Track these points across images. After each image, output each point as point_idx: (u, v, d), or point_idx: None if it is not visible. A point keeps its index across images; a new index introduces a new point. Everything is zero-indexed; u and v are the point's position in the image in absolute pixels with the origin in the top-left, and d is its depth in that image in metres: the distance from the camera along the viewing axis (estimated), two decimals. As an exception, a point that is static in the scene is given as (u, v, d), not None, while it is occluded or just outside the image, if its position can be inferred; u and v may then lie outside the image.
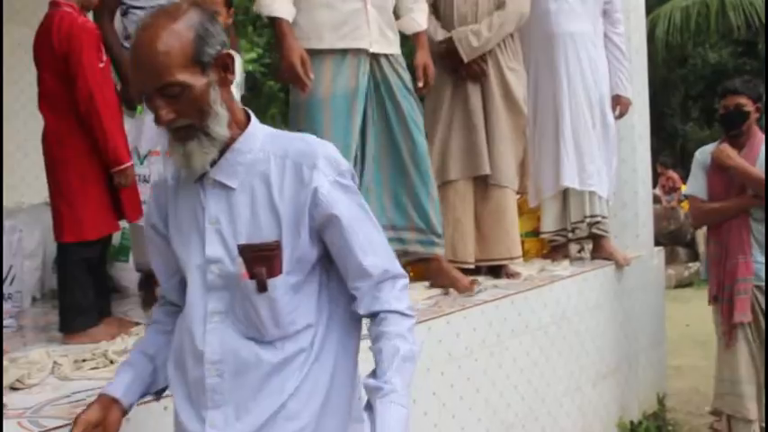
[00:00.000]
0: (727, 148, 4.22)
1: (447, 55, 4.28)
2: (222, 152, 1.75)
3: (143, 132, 3.86)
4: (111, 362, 2.76)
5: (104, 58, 3.29)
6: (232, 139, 1.76)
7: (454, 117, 4.33)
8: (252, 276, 1.73)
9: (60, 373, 2.68)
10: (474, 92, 4.25)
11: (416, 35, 3.90)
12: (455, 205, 4.28)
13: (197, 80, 1.68)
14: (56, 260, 3.78)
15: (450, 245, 4.18)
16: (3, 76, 3.12)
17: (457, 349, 3.44)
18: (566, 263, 4.86)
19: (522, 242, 4.60)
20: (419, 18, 3.89)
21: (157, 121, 1.69)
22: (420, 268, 3.96)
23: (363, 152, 3.66)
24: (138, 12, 3.87)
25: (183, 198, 1.84)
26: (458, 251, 4.24)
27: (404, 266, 1.97)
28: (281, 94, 15.22)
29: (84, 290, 3.24)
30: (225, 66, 1.73)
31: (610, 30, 4.93)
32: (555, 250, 5.05)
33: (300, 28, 3.50)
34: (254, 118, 1.82)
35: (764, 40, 11.16)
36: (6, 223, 4.23)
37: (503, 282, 4.22)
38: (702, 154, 4.45)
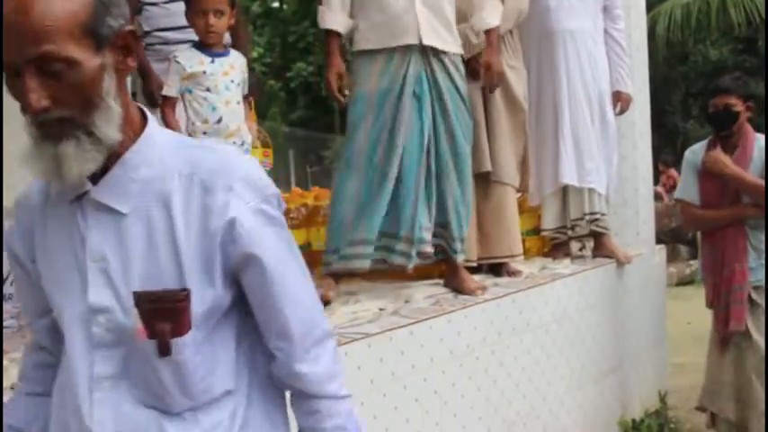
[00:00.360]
0: (719, 155, 4.09)
1: None
2: (108, 165, 1.33)
3: None
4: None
5: None
6: (123, 148, 1.34)
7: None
8: (151, 335, 1.32)
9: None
10: (474, 89, 4.22)
11: (486, 33, 3.95)
12: None
13: (88, 58, 1.26)
14: None
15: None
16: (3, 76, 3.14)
17: (458, 348, 3.44)
18: (567, 261, 4.86)
19: (523, 240, 4.59)
20: (488, 16, 3.93)
21: (25, 107, 1.27)
22: (423, 266, 3.96)
23: (411, 144, 3.65)
24: (151, 8, 3.87)
25: (55, 223, 1.41)
26: None
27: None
28: (281, 93, 15.20)
29: None
30: (127, 47, 1.32)
31: (610, 26, 4.92)
32: (556, 248, 5.05)
33: (359, 31, 3.66)
34: (152, 120, 1.40)
35: (765, 36, 11.13)
36: (6, 223, 4.22)
37: (504, 280, 4.22)
38: (693, 154, 4.33)
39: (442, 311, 3.46)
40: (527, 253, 4.82)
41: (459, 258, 3.86)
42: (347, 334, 3.06)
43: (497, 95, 4.29)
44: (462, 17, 4.19)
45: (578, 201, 4.87)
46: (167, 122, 3.27)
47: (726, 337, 4.17)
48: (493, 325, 3.66)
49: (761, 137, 4.15)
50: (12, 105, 1.36)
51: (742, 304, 4.08)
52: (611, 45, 4.95)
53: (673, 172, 13.16)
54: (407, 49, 3.63)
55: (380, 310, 3.54)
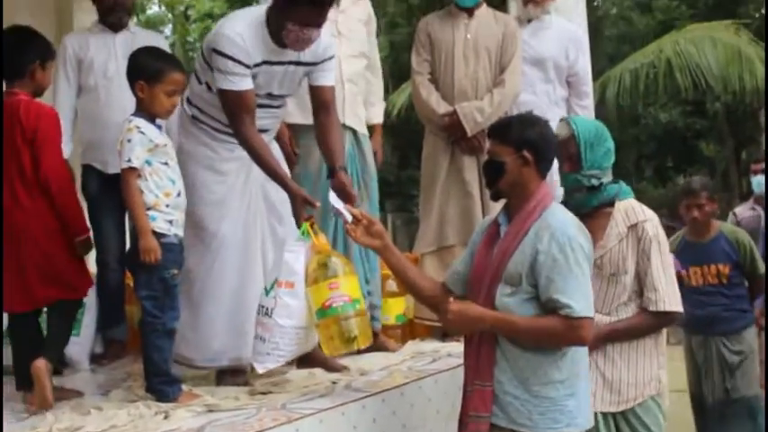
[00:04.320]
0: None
1: (449, 127, 4.44)
2: None
3: (279, 262, 3.45)
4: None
5: None
6: None
7: (451, 186, 4.49)
8: None
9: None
10: (470, 164, 4.44)
11: (374, 126, 4.46)
12: None
13: None
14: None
15: None
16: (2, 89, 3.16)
17: (412, 421, 3.40)
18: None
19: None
20: (379, 112, 4.53)
21: None
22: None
23: None
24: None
25: None
26: None
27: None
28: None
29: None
30: None
31: (575, 101, 4.94)
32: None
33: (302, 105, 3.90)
34: None
35: (765, 37, 11.33)
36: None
37: (460, 349, 4.20)
38: None
39: (394, 384, 3.43)
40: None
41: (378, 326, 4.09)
42: (297, 410, 3.02)
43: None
44: (463, 96, 4.41)
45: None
46: (132, 193, 3.23)
47: None
48: (447, 396, 3.63)
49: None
50: None
51: None
52: None
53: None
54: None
55: (333, 383, 3.51)
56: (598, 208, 3.13)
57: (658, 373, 3.13)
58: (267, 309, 3.23)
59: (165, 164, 3.31)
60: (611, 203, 3.14)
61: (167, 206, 3.28)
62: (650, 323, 3.11)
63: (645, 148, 20.84)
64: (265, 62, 3.43)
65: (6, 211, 3.33)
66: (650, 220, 3.12)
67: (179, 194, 3.34)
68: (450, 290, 2.93)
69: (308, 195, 3.36)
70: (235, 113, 3.40)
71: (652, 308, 3.07)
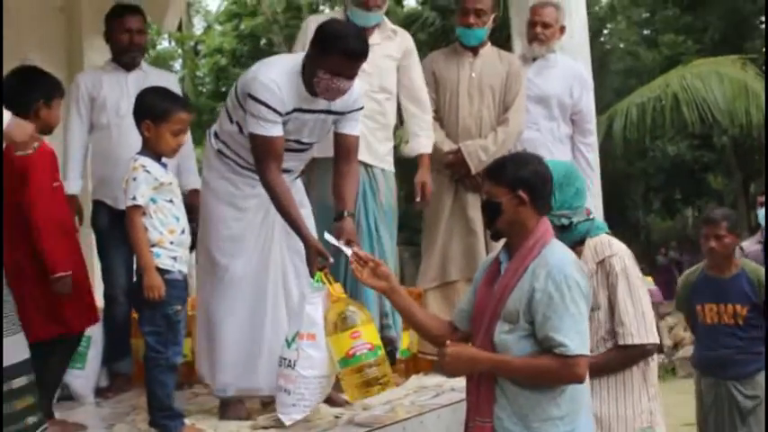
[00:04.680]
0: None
1: (454, 165, 4.50)
2: None
3: (296, 310, 3.49)
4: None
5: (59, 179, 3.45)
6: None
7: (454, 223, 4.54)
8: None
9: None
10: (474, 201, 4.46)
11: (420, 156, 4.36)
12: (455, 304, 4.36)
13: None
14: None
15: None
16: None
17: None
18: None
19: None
20: (425, 143, 4.37)
21: None
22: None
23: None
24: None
25: None
26: None
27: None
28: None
29: None
30: None
31: (579, 139, 4.96)
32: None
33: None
34: None
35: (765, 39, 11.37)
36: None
37: (461, 383, 4.21)
38: None
39: (396, 418, 3.44)
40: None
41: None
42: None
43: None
44: (467, 134, 4.49)
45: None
46: (136, 230, 3.28)
47: None
48: (448, 431, 3.63)
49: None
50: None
51: None
52: (577, 158, 5.01)
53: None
54: None
55: (336, 417, 3.52)
56: (570, 247, 3.05)
57: (649, 406, 3.11)
58: (290, 361, 3.28)
59: (170, 201, 3.36)
60: (582, 242, 3.15)
61: (171, 243, 3.33)
62: (622, 357, 3.08)
63: (653, 180, 20.89)
64: (297, 110, 3.48)
65: (5, 249, 3.35)
66: (617, 255, 3.11)
67: (183, 232, 3.38)
68: (457, 328, 2.95)
69: (321, 247, 3.38)
70: (262, 158, 3.45)
71: (620, 341, 3.06)
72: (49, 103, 3.48)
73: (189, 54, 21.16)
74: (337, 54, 3.33)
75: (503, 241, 2.87)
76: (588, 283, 2.76)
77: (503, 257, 2.81)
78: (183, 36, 19.89)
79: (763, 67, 11.77)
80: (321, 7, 18.33)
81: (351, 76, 3.40)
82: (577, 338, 2.63)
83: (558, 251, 2.73)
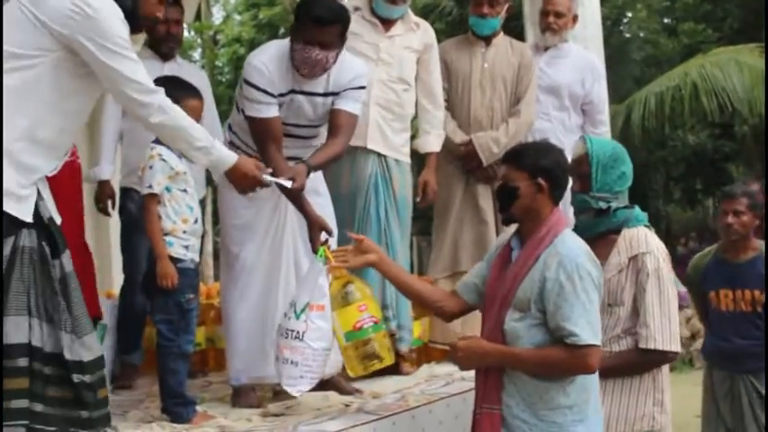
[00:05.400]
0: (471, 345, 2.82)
1: (465, 157, 4.51)
2: None
3: (306, 281, 3.34)
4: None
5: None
6: None
7: (465, 213, 4.56)
8: None
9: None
10: (484, 192, 4.51)
11: (428, 155, 4.37)
12: None
13: None
14: None
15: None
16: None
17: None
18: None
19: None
20: (434, 141, 4.37)
21: None
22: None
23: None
24: None
25: None
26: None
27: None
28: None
29: None
30: None
31: (590, 129, 4.93)
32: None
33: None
34: None
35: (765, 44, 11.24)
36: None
37: (471, 372, 4.22)
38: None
39: (406, 407, 3.46)
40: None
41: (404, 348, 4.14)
42: (308, 432, 3.07)
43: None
44: (478, 125, 4.51)
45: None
46: (151, 219, 3.32)
47: None
48: (458, 420, 3.65)
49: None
50: None
51: None
52: None
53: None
54: (364, 149, 3.97)
55: (346, 406, 3.55)
56: (604, 233, 3.08)
57: (653, 410, 3.05)
58: (298, 332, 3.21)
59: (185, 191, 3.40)
60: (618, 230, 3.09)
61: (185, 232, 3.37)
62: (640, 360, 3.03)
63: (673, 170, 20.73)
64: (292, 91, 3.52)
65: None
66: (651, 253, 3.03)
67: (196, 221, 3.42)
68: (460, 297, 2.96)
69: (324, 222, 3.43)
70: (261, 140, 3.50)
71: (642, 344, 3.00)
72: None
73: (208, 44, 21.18)
74: (305, 21, 3.38)
75: (513, 226, 2.89)
76: (600, 273, 2.75)
77: (514, 244, 2.82)
78: (203, 26, 19.89)
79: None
80: (341, -3, 18.30)
81: (322, 44, 3.39)
82: (588, 328, 2.64)
83: (569, 241, 2.74)
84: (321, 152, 3.52)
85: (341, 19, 3.45)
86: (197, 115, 3.46)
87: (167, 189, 3.35)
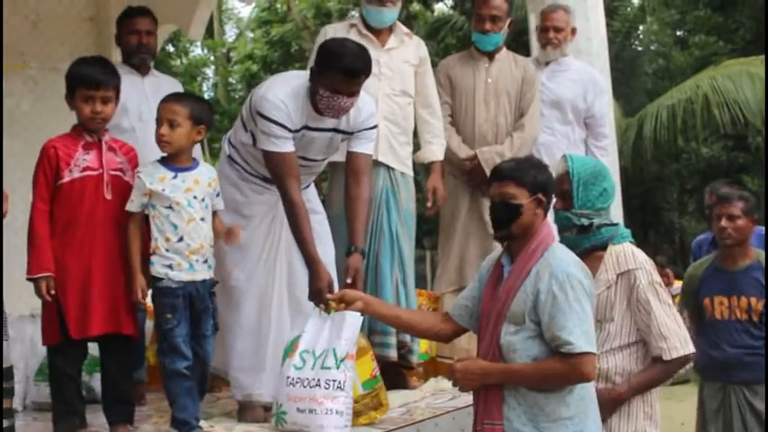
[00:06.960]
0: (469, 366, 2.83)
1: (470, 172, 4.53)
2: None
3: (342, 330, 3.26)
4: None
5: (65, 177, 3.36)
6: None
7: (471, 227, 4.58)
8: None
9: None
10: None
11: (432, 163, 4.43)
12: None
13: None
14: None
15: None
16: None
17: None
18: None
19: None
20: (437, 150, 4.41)
21: None
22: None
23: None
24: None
25: None
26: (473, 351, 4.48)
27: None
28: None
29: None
30: None
31: (592, 142, 4.98)
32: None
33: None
34: None
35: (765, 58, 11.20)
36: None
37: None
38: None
39: (411, 420, 3.47)
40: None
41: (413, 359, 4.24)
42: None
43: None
44: (483, 140, 4.54)
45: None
46: (128, 235, 3.36)
47: None
48: None
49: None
50: None
51: None
52: None
53: (666, 270, 13.15)
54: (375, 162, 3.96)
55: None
56: (589, 250, 3.10)
57: (644, 425, 3.09)
58: (340, 382, 3.21)
59: (169, 208, 3.33)
60: (604, 247, 3.11)
61: (167, 251, 3.34)
62: (667, 372, 3.10)
63: (688, 182, 20.64)
64: (305, 127, 3.55)
65: None
66: (642, 268, 3.07)
67: (181, 239, 3.33)
68: (453, 320, 2.98)
69: (331, 279, 3.44)
70: (280, 176, 3.52)
71: (666, 357, 3.04)
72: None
73: (221, 61, 21.35)
74: (335, 72, 3.39)
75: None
76: (592, 282, 2.78)
77: (505, 261, 2.85)
78: (215, 43, 20.08)
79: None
80: (352, 12, 18.42)
81: (351, 93, 3.44)
82: (583, 337, 2.66)
83: (560, 252, 2.77)
84: (359, 219, 3.61)
85: (369, 67, 3.51)
86: (176, 117, 3.39)
87: (152, 206, 3.35)
